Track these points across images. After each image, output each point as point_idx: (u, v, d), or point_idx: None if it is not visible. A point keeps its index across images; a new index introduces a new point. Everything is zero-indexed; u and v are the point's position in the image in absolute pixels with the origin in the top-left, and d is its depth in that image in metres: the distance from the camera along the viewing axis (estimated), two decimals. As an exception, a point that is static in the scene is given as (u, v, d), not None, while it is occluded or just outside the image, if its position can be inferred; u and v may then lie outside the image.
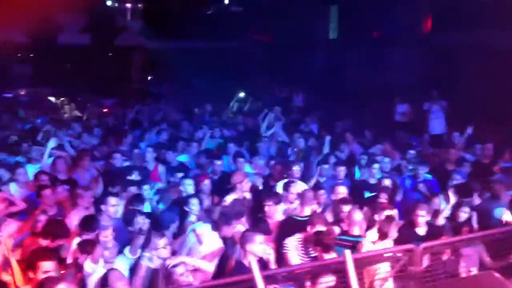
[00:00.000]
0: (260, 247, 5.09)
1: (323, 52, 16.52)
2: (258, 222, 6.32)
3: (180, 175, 8.22)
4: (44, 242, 5.57)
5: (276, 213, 6.57)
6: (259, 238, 5.12)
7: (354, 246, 5.67)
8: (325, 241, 5.44)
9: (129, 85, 19.96)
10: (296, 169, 8.07)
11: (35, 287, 4.40)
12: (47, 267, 4.55)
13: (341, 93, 14.59)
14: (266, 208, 6.52)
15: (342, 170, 8.28)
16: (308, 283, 4.96)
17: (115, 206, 6.36)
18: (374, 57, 14.86)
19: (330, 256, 5.36)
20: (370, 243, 5.79)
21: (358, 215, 6.10)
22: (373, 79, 14.34)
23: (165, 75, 19.49)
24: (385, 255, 5.20)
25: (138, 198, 6.86)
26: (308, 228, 5.77)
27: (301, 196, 6.70)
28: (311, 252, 5.69)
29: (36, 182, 7.32)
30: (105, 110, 15.78)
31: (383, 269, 5.28)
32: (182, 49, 18.75)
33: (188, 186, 7.39)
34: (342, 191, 7.08)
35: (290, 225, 6.21)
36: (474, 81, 11.51)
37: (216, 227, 5.99)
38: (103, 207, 6.34)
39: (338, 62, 16.01)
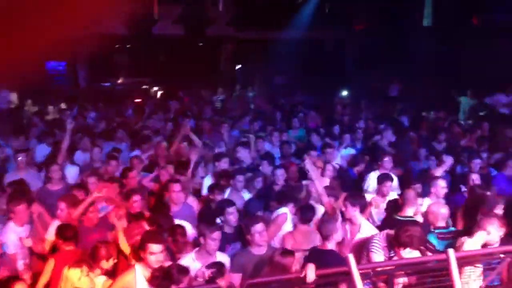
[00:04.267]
0: None
1: (417, 40, 15.89)
2: None
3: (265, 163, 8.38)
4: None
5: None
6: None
7: (455, 237, 5.50)
8: (401, 238, 5.15)
9: (218, 75, 20.30)
10: (387, 160, 7.95)
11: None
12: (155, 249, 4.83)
13: (435, 83, 14.08)
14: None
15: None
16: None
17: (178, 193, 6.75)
18: (472, 46, 14.03)
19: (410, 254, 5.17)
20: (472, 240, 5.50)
21: (444, 210, 5.98)
22: (469, 70, 13.62)
23: (254, 65, 19.66)
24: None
25: (218, 187, 7.08)
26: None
27: (405, 195, 6.39)
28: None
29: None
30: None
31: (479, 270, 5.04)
32: (272, 40, 18.79)
33: (281, 176, 7.49)
34: (442, 184, 6.83)
35: (391, 225, 5.81)
36: None
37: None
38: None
39: (432, 50, 15.34)
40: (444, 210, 5.97)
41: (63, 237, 5.48)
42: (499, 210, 6.15)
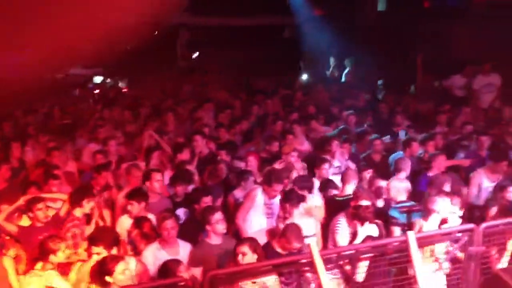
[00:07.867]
0: None
1: (373, 24, 16.09)
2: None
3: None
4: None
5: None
6: None
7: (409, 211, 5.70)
8: (362, 214, 5.38)
9: (175, 63, 19.98)
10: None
11: None
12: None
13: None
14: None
15: None
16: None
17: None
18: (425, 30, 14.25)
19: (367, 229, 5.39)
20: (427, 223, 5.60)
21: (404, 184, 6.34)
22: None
23: (211, 52, 19.41)
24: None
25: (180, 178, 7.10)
26: (352, 204, 5.67)
27: (342, 175, 6.71)
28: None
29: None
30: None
31: (441, 249, 5.10)
32: (227, 26, 18.57)
33: None
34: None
35: (334, 206, 6.19)
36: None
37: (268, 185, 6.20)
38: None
39: (389, 34, 15.52)
40: (404, 185, 6.22)
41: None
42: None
